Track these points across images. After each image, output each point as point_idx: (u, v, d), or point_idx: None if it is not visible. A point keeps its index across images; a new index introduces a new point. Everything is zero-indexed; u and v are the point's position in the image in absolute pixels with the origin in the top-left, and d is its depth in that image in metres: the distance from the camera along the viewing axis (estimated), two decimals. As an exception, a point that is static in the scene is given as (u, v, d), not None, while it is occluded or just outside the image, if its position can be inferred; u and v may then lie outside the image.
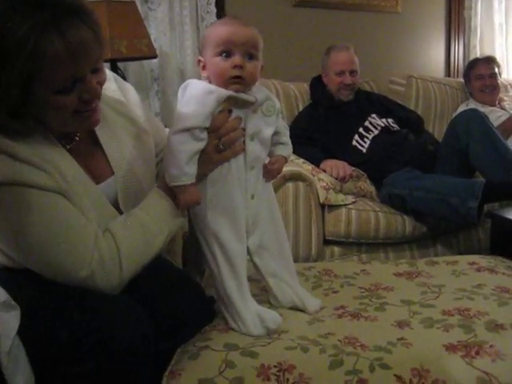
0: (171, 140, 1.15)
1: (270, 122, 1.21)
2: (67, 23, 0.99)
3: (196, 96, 1.15)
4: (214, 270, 1.21)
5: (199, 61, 1.21)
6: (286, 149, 1.29)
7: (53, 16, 0.98)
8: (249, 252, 1.24)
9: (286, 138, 1.29)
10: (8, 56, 0.96)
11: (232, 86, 1.15)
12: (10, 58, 0.97)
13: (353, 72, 2.81)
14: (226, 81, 1.15)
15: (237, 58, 1.14)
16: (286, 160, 1.29)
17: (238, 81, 1.15)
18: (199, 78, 1.22)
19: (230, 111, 1.17)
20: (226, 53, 1.15)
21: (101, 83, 1.11)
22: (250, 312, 1.18)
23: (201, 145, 1.15)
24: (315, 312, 1.26)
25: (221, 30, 1.16)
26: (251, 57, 1.16)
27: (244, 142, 1.19)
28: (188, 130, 1.13)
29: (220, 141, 1.17)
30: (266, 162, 1.26)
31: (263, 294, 1.32)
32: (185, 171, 1.13)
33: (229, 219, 1.18)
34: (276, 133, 1.25)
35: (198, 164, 1.16)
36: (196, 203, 1.17)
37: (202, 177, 1.19)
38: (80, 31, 1.01)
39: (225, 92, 1.15)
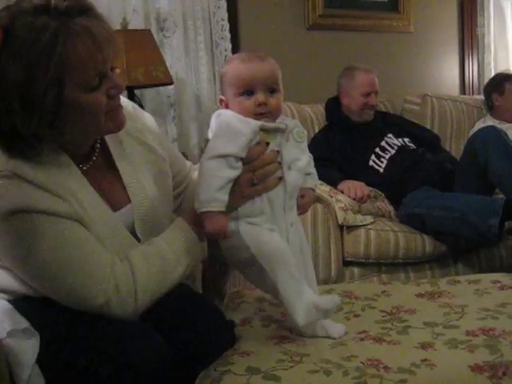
0: (205, 165, 1.15)
1: (303, 148, 1.22)
2: (87, 20, 1.03)
3: (231, 125, 1.16)
4: (267, 277, 1.17)
5: (221, 100, 1.22)
6: (313, 179, 1.28)
7: (70, 17, 1.02)
8: None
9: (310, 168, 1.28)
10: (40, 62, 0.99)
11: (260, 120, 1.16)
12: (43, 63, 0.99)
13: (377, 93, 2.82)
14: (252, 118, 1.16)
15: (260, 96, 1.16)
16: (314, 191, 1.29)
17: (264, 116, 1.17)
18: (215, 102, 1.24)
19: (268, 144, 1.17)
20: (248, 92, 1.17)
21: None
22: (302, 300, 1.15)
23: (234, 173, 1.14)
24: (339, 337, 1.24)
25: (240, 70, 1.18)
26: (273, 90, 1.18)
27: (282, 172, 1.18)
28: (223, 156, 1.13)
29: (254, 174, 1.16)
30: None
31: (284, 320, 1.31)
32: (216, 197, 1.12)
33: (274, 252, 1.16)
34: None
35: (230, 197, 1.15)
36: (221, 233, 1.14)
37: (231, 210, 1.17)
38: (100, 25, 1.05)
39: (257, 122, 1.16)
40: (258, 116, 1.16)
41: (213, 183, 1.12)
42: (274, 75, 1.19)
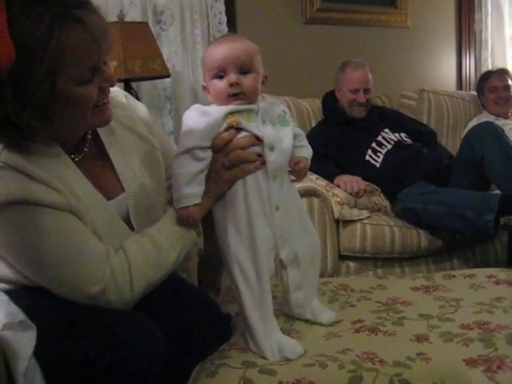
0: (173, 164, 1.17)
1: (282, 130, 1.19)
2: (81, 12, 1.02)
3: (194, 119, 1.16)
4: (235, 292, 1.18)
5: (203, 86, 1.23)
6: (306, 150, 1.27)
7: (66, 9, 1.01)
8: (282, 265, 1.22)
9: (303, 141, 1.27)
10: (35, 53, 0.98)
11: (233, 102, 1.17)
12: (37, 54, 0.98)
13: (367, 90, 2.81)
14: (226, 100, 1.17)
15: (231, 77, 1.16)
16: (308, 161, 1.26)
17: (238, 97, 1.16)
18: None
19: (238, 130, 1.16)
20: (220, 74, 1.17)
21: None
22: (269, 338, 1.14)
23: (201, 165, 1.15)
24: (328, 324, 1.25)
25: (212, 53, 1.19)
26: (246, 71, 1.17)
27: (264, 153, 1.16)
28: (188, 151, 1.14)
29: (226, 157, 1.17)
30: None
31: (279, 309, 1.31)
32: (185, 193, 1.14)
33: (249, 239, 1.15)
34: (295, 136, 1.23)
35: (210, 183, 1.17)
36: (191, 221, 1.17)
37: (218, 196, 1.19)
38: (96, 18, 1.05)
39: (223, 109, 1.16)
40: (231, 98, 1.16)
41: (180, 180, 1.15)
42: (247, 55, 1.17)
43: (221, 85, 1.17)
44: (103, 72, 1.09)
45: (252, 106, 1.17)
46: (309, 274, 1.26)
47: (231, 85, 1.16)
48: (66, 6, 1.01)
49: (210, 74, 1.18)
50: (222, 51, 1.17)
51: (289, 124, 1.22)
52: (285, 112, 1.23)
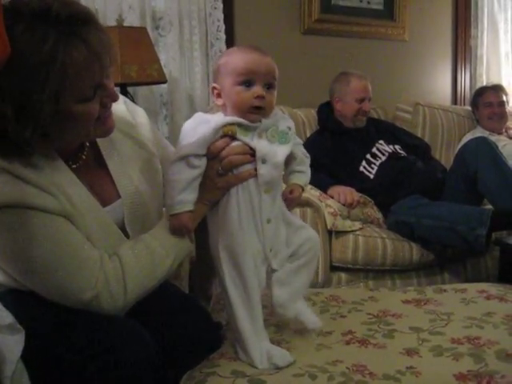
0: (167, 171, 1.17)
1: (278, 146, 1.18)
2: (86, 30, 1.02)
3: (192, 127, 1.17)
4: (225, 300, 1.18)
5: (214, 88, 1.20)
6: (302, 177, 1.26)
7: (71, 27, 1.00)
8: (274, 272, 1.21)
9: (303, 166, 1.26)
10: (38, 74, 0.97)
11: (251, 115, 1.15)
12: (40, 75, 0.97)
13: (370, 99, 2.84)
14: (246, 110, 1.15)
15: (259, 89, 1.14)
16: (302, 189, 1.26)
17: (258, 111, 1.15)
18: (208, 103, 1.23)
19: (232, 137, 1.16)
20: (248, 82, 1.15)
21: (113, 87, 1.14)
22: (258, 346, 1.14)
23: (195, 172, 1.15)
24: (313, 328, 1.23)
25: (243, 59, 1.16)
26: (270, 86, 1.17)
27: (255, 165, 1.16)
28: (183, 158, 1.14)
29: (220, 164, 1.17)
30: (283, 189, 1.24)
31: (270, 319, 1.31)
32: (178, 200, 1.14)
33: (240, 248, 1.15)
34: (293, 159, 1.23)
35: (204, 190, 1.17)
36: (184, 229, 1.17)
37: (212, 203, 1.19)
38: (99, 35, 1.04)
39: (224, 119, 1.16)
40: (252, 109, 1.15)
41: (174, 187, 1.15)
42: (274, 70, 1.17)
43: (246, 94, 1.14)
44: (106, 87, 1.08)
45: (254, 124, 1.16)
46: (299, 272, 1.23)
47: (257, 97, 1.14)
48: (71, 24, 1.00)
49: (236, 80, 1.15)
50: (255, 60, 1.15)
51: (289, 142, 1.20)
52: (289, 128, 1.21)
